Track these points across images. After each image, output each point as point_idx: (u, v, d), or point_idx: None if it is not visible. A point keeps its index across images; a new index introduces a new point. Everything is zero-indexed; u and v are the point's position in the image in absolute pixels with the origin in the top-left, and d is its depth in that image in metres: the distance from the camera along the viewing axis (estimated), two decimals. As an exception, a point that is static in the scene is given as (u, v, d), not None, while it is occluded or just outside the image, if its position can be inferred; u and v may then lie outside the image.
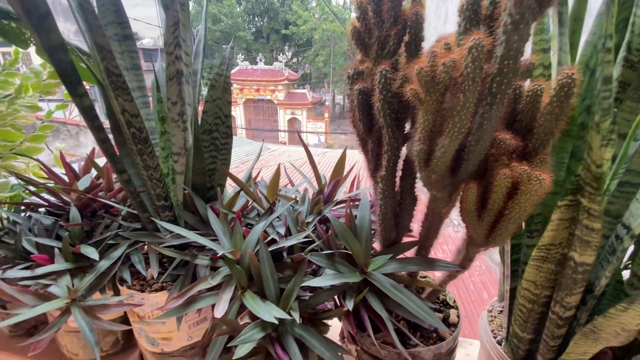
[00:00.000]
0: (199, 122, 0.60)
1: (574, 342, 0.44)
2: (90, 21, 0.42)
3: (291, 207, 0.59)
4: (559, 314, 0.45)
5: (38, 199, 0.72)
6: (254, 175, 0.70)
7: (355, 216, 0.58)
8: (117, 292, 0.65)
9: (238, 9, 20.25)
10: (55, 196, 0.67)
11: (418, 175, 0.41)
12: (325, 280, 0.45)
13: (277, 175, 0.60)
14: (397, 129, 0.43)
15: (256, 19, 21.58)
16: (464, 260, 0.50)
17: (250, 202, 0.67)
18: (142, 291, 0.64)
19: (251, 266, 0.48)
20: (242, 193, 0.70)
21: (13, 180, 0.84)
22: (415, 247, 0.55)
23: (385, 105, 0.40)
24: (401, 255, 0.54)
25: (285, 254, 0.53)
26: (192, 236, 0.51)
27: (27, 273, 0.59)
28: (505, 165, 0.37)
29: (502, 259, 0.65)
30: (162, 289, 0.65)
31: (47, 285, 0.57)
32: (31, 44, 0.71)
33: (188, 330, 0.65)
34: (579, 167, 0.39)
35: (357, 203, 0.69)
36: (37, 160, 0.88)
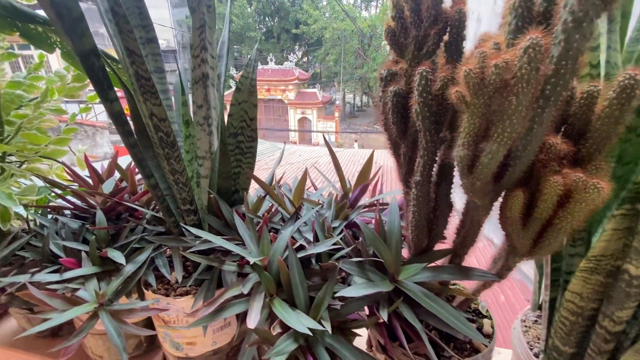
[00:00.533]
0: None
1: (624, 359, 0.41)
2: (121, 25, 0.41)
3: (317, 212, 0.57)
4: (607, 329, 0.42)
5: (64, 202, 0.72)
6: (277, 177, 0.69)
7: (384, 222, 0.56)
8: (142, 296, 0.65)
9: (249, 9, 20.38)
10: (81, 199, 0.68)
11: (460, 181, 0.39)
12: (358, 289, 0.44)
13: (303, 180, 0.59)
14: (435, 133, 0.41)
15: (267, 19, 21.67)
16: (502, 270, 0.47)
17: (274, 206, 0.66)
18: (167, 295, 0.64)
19: (280, 273, 0.47)
20: (266, 196, 0.69)
21: (38, 182, 0.85)
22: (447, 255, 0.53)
23: (425, 108, 0.39)
24: (433, 263, 0.52)
25: (313, 261, 0.52)
26: (220, 242, 0.51)
27: (56, 277, 0.59)
28: (555, 172, 0.35)
29: (537, 267, 0.62)
30: (186, 293, 0.65)
31: (75, 289, 0.57)
32: (57, 48, 0.71)
33: (212, 335, 0.64)
34: (636, 174, 0.36)
35: (381, 207, 0.67)
36: (62, 162, 0.89)
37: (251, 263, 0.53)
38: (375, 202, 0.66)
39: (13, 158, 0.84)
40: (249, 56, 0.58)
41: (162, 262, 0.66)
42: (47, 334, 0.82)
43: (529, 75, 0.29)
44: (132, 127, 0.59)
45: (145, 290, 0.63)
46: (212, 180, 0.61)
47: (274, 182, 0.73)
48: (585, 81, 0.38)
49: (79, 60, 0.40)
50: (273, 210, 0.66)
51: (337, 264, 0.47)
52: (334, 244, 0.52)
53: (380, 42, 18.03)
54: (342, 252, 0.50)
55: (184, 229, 0.58)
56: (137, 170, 0.85)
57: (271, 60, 17.47)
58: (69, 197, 0.73)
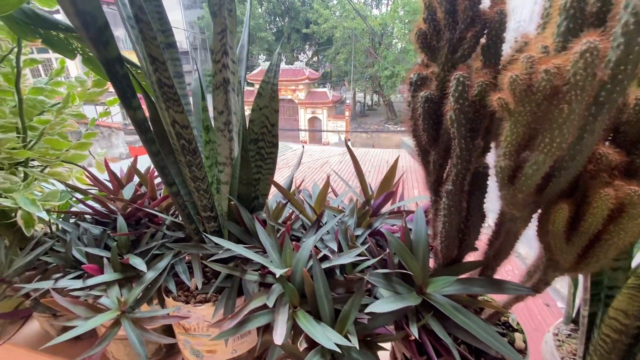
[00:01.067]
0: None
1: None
2: (145, 32, 0.40)
3: (339, 220, 0.56)
4: (656, 349, 0.39)
5: (85, 207, 0.73)
6: (296, 182, 0.68)
7: (410, 230, 0.54)
8: (162, 303, 0.65)
9: (260, 10, 20.49)
10: (103, 205, 0.68)
11: (499, 192, 0.37)
12: (388, 304, 0.42)
13: (326, 187, 0.58)
14: (470, 141, 0.39)
15: (277, 19, 21.76)
16: (539, 284, 0.45)
17: (294, 213, 0.64)
18: (187, 302, 0.64)
19: (305, 285, 0.46)
20: (283, 201, 0.68)
21: (59, 187, 0.86)
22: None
23: (461, 115, 0.37)
24: (463, 275, 0.50)
25: (337, 271, 0.50)
26: (242, 251, 0.49)
27: (78, 283, 0.59)
28: (606, 184, 0.33)
29: (572, 280, 0.59)
30: (206, 300, 0.64)
31: (98, 296, 0.57)
32: (78, 54, 0.72)
33: (233, 343, 0.64)
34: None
35: (398, 213, 0.65)
36: (82, 167, 0.90)
37: (270, 271, 0.52)
38: (397, 209, 0.64)
39: (35, 163, 0.86)
40: (271, 61, 0.57)
41: (182, 269, 0.66)
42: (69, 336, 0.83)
43: (585, 82, 0.27)
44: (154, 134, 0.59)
45: (165, 297, 0.63)
46: (232, 186, 0.60)
47: (293, 187, 0.72)
48: (637, 86, 0.36)
49: (103, 68, 0.39)
50: (293, 217, 0.65)
51: (364, 276, 0.45)
52: (358, 255, 0.50)
53: (391, 40, 17.88)
54: (368, 263, 0.48)
55: (205, 238, 0.57)
56: (155, 174, 0.85)
57: (281, 60, 17.51)
58: (89, 202, 0.73)
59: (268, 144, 0.60)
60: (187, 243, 0.62)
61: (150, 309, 0.61)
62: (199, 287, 0.64)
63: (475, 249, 0.49)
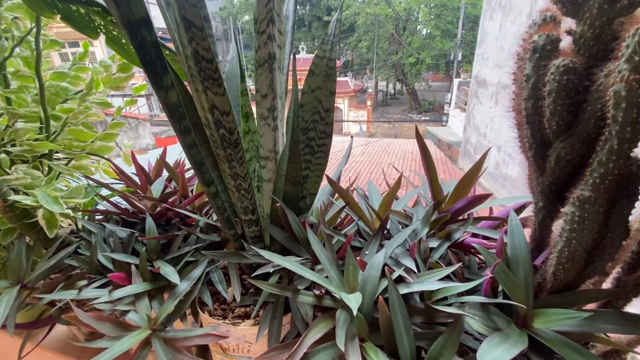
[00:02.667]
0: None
1: None
2: (178, -13, 0.31)
3: (413, 230, 0.45)
4: None
5: (110, 205, 0.66)
6: (348, 179, 0.57)
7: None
8: (195, 316, 0.57)
9: (280, -3, 20.19)
10: (130, 203, 0.60)
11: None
12: (500, 350, 0.31)
13: (396, 186, 0.47)
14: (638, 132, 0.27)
15: (298, 7, 21.42)
16: None
17: (347, 217, 0.54)
18: (225, 317, 0.55)
19: (380, 316, 0.36)
20: (333, 202, 0.58)
21: (83, 181, 0.80)
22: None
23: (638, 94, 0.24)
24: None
25: (417, 297, 0.40)
26: (297, 269, 0.40)
27: (103, 293, 0.52)
28: None
29: None
30: (246, 315, 0.56)
31: (125, 312, 0.49)
32: (101, 33, 0.64)
33: (276, 366, 0.55)
34: None
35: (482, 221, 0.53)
36: (109, 160, 0.83)
37: (328, 292, 0.42)
38: (496, 218, 0.52)
39: (59, 155, 0.80)
40: (326, 31, 0.46)
41: (218, 278, 0.57)
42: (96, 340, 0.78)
43: None
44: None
45: (200, 311, 0.55)
46: (277, 184, 0.51)
47: (343, 185, 0.61)
48: None
49: (126, 33, 0.30)
50: (344, 221, 0.55)
51: (462, 312, 0.34)
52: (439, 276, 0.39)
53: (416, 26, 17.19)
54: (459, 289, 0.37)
55: (246, 250, 0.48)
56: (185, 168, 0.77)
57: (302, 49, 17.28)
58: (114, 200, 0.66)
59: (320, 134, 0.50)
60: (225, 251, 0.53)
61: (184, 325, 0.53)
62: (238, 299, 0.55)
63: (607, 274, 0.37)
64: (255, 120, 0.51)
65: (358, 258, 0.41)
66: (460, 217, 0.50)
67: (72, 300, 0.57)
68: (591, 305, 0.40)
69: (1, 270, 0.62)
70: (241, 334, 0.51)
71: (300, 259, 0.45)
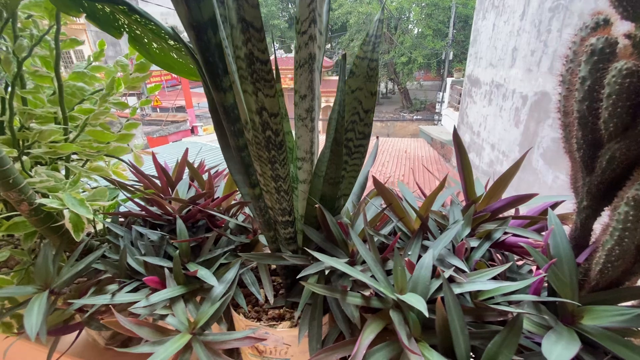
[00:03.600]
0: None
1: None
2: (241, -12, 0.30)
3: (458, 229, 0.45)
4: None
5: (136, 208, 0.65)
6: (382, 178, 0.57)
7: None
8: (228, 319, 0.56)
9: (272, -4, 20.10)
10: (159, 205, 0.59)
11: None
12: (562, 347, 0.32)
13: (440, 187, 0.47)
14: None
15: (290, 5, 21.34)
16: None
17: (385, 217, 0.54)
18: (259, 319, 0.55)
19: (436, 316, 0.36)
20: (374, 205, 0.58)
21: (102, 183, 0.78)
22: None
23: None
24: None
25: (468, 297, 0.40)
26: (352, 272, 0.40)
27: (137, 297, 0.52)
28: None
29: None
30: (280, 317, 0.56)
31: (164, 316, 0.49)
32: (124, 32, 0.62)
33: (312, 367, 0.55)
34: None
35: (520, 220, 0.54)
36: (128, 162, 0.82)
37: (375, 293, 0.42)
38: (508, 215, 0.53)
39: (74, 157, 0.78)
40: (368, 31, 0.46)
41: (251, 280, 0.57)
42: (117, 345, 0.77)
43: None
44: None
45: (234, 313, 0.55)
46: (314, 185, 0.51)
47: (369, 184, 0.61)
48: None
49: (193, 34, 0.29)
50: (380, 220, 0.55)
51: (519, 310, 0.35)
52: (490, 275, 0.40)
53: (408, 25, 17.29)
54: (511, 288, 0.38)
55: (281, 246, 0.48)
56: (204, 169, 0.76)
57: (294, 48, 17.19)
58: (135, 202, 0.65)
59: (358, 135, 0.50)
60: (262, 253, 0.53)
61: (220, 328, 0.53)
62: (271, 301, 0.55)
63: (653, 272, 0.38)
64: (293, 121, 0.50)
65: (406, 259, 0.41)
66: (501, 217, 0.51)
67: (107, 305, 0.56)
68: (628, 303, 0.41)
69: (24, 275, 0.60)
70: (280, 335, 0.51)
71: (348, 261, 0.45)
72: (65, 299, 0.58)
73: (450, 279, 0.40)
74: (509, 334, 0.34)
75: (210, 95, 0.53)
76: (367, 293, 0.42)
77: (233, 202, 0.64)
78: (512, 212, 0.60)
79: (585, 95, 0.34)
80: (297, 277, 0.44)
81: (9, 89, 0.63)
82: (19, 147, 0.66)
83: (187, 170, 0.73)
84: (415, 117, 17.09)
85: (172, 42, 0.66)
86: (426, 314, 0.33)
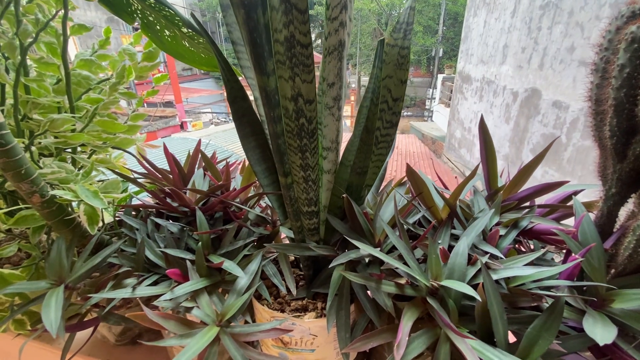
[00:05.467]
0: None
1: None
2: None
3: (489, 217, 0.45)
4: None
5: (146, 201, 0.63)
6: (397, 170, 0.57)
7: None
8: (251, 311, 0.56)
9: (261, -11, 19.77)
10: (178, 197, 0.58)
11: None
12: (600, 329, 0.33)
13: (471, 176, 0.47)
14: None
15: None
16: None
17: (409, 205, 0.54)
18: (282, 310, 0.55)
19: (477, 302, 0.36)
20: (403, 196, 0.58)
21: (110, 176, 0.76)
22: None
23: None
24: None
25: (503, 283, 0.40)
26: (390, 260, 0.40)
27: (158, 290, 0.50)
28: None
29: None
30: (303, 307, 0.55)
31: (189, 308, 0.48)
32: (137, 18, 0.60)
33: (336, 357, 0.55)
34: None
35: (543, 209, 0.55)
36: (131, 153, 0.79)
37: (410, 282, 0.42)
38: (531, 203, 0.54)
39: (77, 149, 0.75)
40: (399, 18, 0.46)
41: (272, 271, 0.56)
42: (127, 341, 0.75)
43: None
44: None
45: (257, 304, 0.54)
46: (340, 175, 0.50)
47: (390, 179, 0.61)
48: None
49: (242, 13, 0.28)
50: (406, 210, 0.55)
51: (559, 294, 0.35)
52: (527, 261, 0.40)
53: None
54: (547, 273, 0.38)
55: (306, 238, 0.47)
56: (216, 159, 0.74)
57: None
58: (152, 193, 0.63)
59: (385, 124, 0.49)
60: (289, 244, 0.52)
61: (245, 319, 0.52)
62: (294, 292, 0.55)
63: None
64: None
65: (441, 248, 0.42)
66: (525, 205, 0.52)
67: (123, 299, 0.54)
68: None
69: (35, 270, 0.58)
70: (306, 326, 0.50)
71: (375, 250, 0.45)
72: (80, 294, 0.57)
73: (486, 266, 0.40)
74: (549, 317, 0.35)
75: (231, 83, 0.52)
76: (401, 281, 0.42)
77: (250, 193, 0.63)
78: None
79: (624, 82, 0.34)
80: (330, 265, 0.44)
81: (9, 75, 0.60)
82: (24, 137, 0.63)
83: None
84: (405, 114, 17.22)
85: (185, 30, 0.64)
86: (478, 297, 0.33)
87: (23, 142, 0.58)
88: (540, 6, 4.00)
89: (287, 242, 0.65)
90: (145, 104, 0.72)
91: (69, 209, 0.59)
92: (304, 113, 0.40)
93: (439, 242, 0.46)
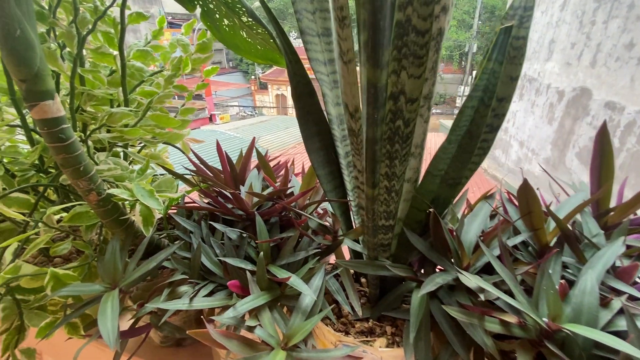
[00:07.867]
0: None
1: None
2: None
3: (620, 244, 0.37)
4: None
5: (198, 201, 0.59)
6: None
7: None
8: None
9: (291, -17, 19.72)
10: (237, 199, 0.53)
11: None
12: None
13: (608, 188, 0.39)
14: None
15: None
16: None
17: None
18: (347, 332, 0.49)
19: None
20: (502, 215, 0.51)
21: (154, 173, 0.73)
22: None
23: None
24: None
25: None
26: (500, 294, 0.33)
27: (217, 303, 0.46)
28: None
29: None
30: (370, 330, 0.49)
31: (251, 327, 0.43)
32: (197, 6, 0.56)
33: (406, 390, 0.49)
34: None
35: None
36: (180, 149, 0.76)
37: (522, 323, 0.35)
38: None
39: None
40: (512, 3, 0.38)
41: (335, 287, 0.51)
42: (171, 343, 0.73)
43: None
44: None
45: (321, 323, 0.49)
46: (424, 186, 0.44)
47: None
48: None
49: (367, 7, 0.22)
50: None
51: None
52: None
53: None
54: None
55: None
56: (273, 161, 0.70)
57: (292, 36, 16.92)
58: (208, 194, 0.59)
59: (485, 128, 0.42)
60: (363, 261, 0.47)
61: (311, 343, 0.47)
62: (360, 313, 0.49)
63: None
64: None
65: (562, 281, 0.34)
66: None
67: (176, 310, 0.51)
68: None
69: (87, 272, 0.56)
70: (378, 355, 0.45)
71: (475, 276, 0.38)
72: (133, 299, 0.54)
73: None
74: None
75: (297, 77, 0.47)
76: (508, 319, 0.35)
77: (310, 201, 0.58)
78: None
79: None
80: (420, 293, 0.38)
81: (65, 65, 0.58)
82: (76, 131, 0.61)
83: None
84: (434, 111, 16.71)
85: (245, 19, 0.59)
86: (634, 353, 0.26)
87: (80, 137, 0.56)
88: (595, -2, 3.68)
89: (348, 253, 0.59)
90: (176, 96, 0.68)
91: (123, 208, 0.56)
92: (402, 114, 0.34)
93: (550, 272, 0.38)
